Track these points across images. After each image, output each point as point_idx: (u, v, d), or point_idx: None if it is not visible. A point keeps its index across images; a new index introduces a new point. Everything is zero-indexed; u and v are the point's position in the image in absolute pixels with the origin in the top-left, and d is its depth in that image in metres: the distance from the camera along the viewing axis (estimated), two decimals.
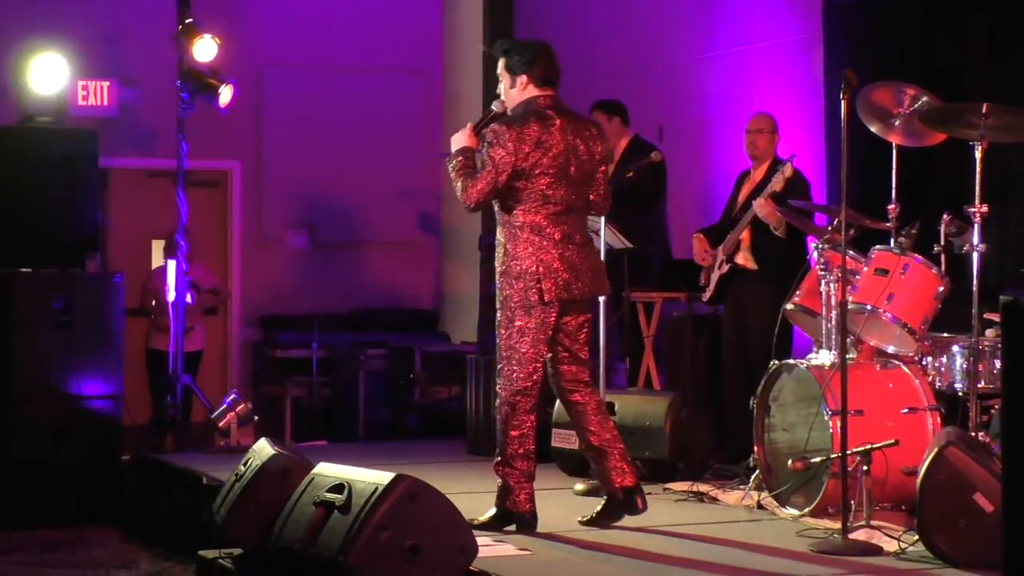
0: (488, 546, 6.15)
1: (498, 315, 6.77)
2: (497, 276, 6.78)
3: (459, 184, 6.68)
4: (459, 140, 6.78)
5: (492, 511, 6.78)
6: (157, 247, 12.76)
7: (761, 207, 8.37)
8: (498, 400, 6.78)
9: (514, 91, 6.78)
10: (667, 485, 7.94)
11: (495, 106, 6.83)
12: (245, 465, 6.42)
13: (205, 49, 10.16)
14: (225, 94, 10.24)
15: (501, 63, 6.81)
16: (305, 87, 13.61)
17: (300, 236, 13.86)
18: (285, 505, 5.90)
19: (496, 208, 6.79)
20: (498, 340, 6.76)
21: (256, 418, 10.12)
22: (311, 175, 13.58)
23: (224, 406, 9.83)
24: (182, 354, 10.34)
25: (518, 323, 6.67)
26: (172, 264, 10.68)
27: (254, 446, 6.57)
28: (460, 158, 6.70)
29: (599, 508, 6.86)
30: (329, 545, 5.47)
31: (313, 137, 13.58)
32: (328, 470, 5.87)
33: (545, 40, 7.06)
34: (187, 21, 10.14)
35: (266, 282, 13.64)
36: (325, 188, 13.63)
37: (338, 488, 5.61)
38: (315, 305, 13.28)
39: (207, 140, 11.69)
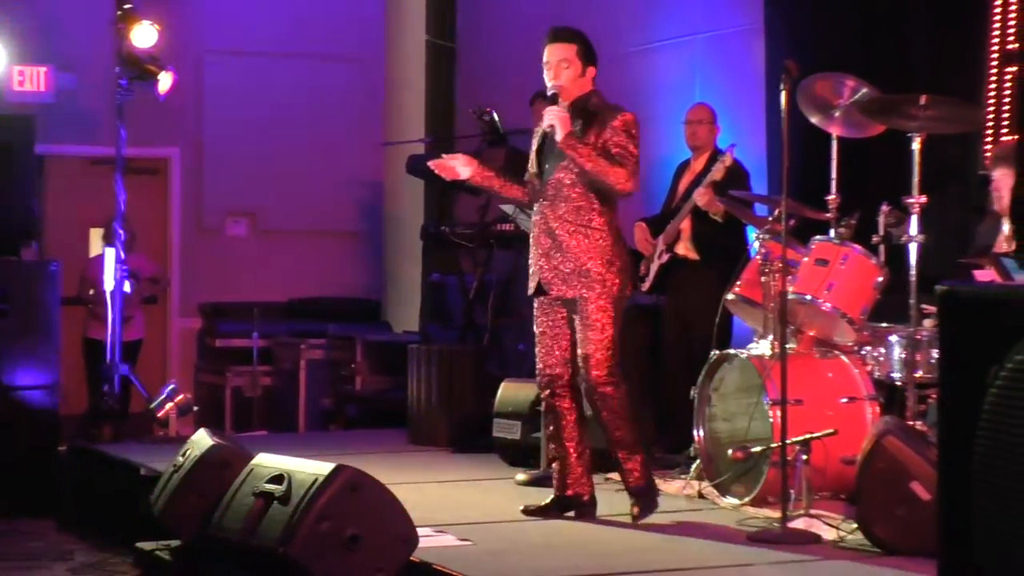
0: (429, 536, 6.14)
1: (590, 304, 6.58)
2: (587, 264, 6.59)
3: (609, 171, 6.51)
4: (565, 123, 6.58)
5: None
6: (95, 235, 12.68)
7: (701, 196, 8.41)
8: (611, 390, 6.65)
9: (583, 79, 6.72)
10: (608, 475, 7.95)
11: (553, 88, 6.72)
12: (184, 455, 6.41)
13: (144, 35, 10.08)
14: (164, 81, 10.18)
15: (572, 49, 6.69)
16: (246, 74, 13.56)
17: (240, 224, 13.81)
18: (224, 496, 5.87)
19: (589, 194, 6.62)
20: (593, 331, 6.59)
21: (195, 408, 10.09)
22: (252, 163, 13.55)
23: (163, 396, 9.79)
24: (120, 343, 10.27)
25: (612, 313, 6.59)
26: (110, 252, 10.59)
27: (193, 436, 6.57)
28: (581, 146, 6.56)
29: (547, 502, 6.88)
30: (269, 536, 5.45)
31: (254, 125, 13.54)
32: (268, 461, 5.85)
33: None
34: (126, 7, 10.06)
35: (206, 271, 13.59)
36: (266, 176, 13.59)
37: (278, 479, 5.60)
38: (256, 294, 13.23)
39: (146, 127, 11.64)
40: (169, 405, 9.71)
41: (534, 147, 6.83)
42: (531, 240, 6.80)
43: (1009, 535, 3.25)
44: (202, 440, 6.39)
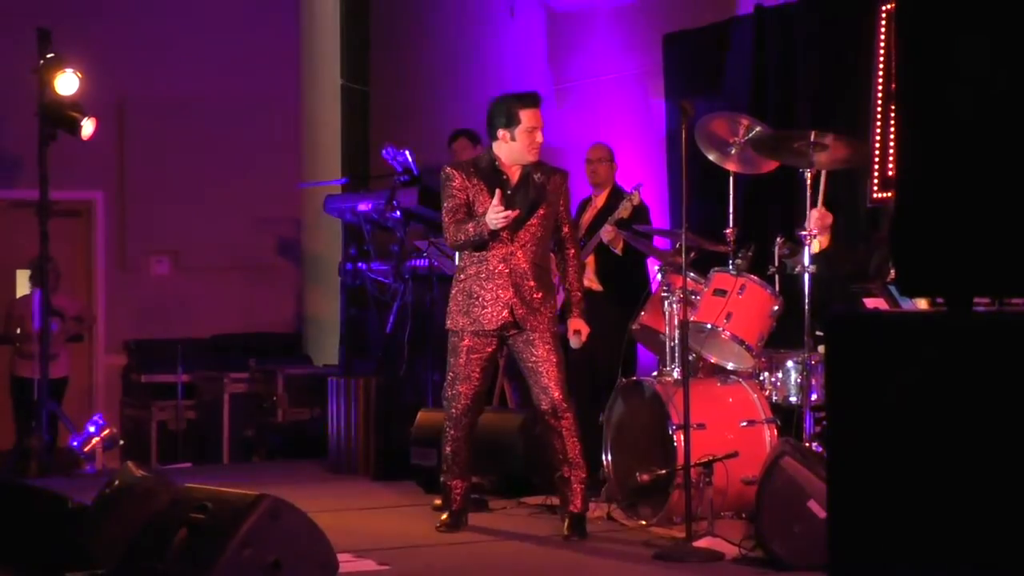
0: (350, 561, 6.30)
1: (548, 332, 7.14)
2: (548, 299, 7.20)
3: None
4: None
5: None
6: (21, 276, 12.71)
7: (607, 233, 8.63)
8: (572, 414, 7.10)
9: None
10: (522, 499, 8.15)
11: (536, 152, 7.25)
12: (110, 487, 6.45)
13: (67, 83, 10.14)
14: (87, 126, 10.24)
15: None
16: (166, 117, 13.51)
17: (163, 263, 13.84)
18: (149, 526, 5.94)
19: (547, 242, 7.26)
20: (555, 355, 7.12)
21: (121, 442, 10.13)
22: (173, 203, 13.52)
23: (89, 431, 9.82)
24: (47, 381, 10.32)
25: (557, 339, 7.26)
26: (37, 293, 10.65)
27: (119, 469, 6.63)
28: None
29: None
30: (194, 563, 5.53)
31: (175, 166, 13.50)
32: (192, 491, 5.94)
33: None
34: (48, 56, 10.11)
35: (130, 309, 13.60)
36: (187, 216, 13.56)
37: (201, 508, 5.67)
38: (179, 331, 13.29)
39: (70, 171, 11.65)
40: (95, 440, 9.74)
41: (500, 190, 7.06)
42: (489, 276, 7.11)
43: (897, 550, 3.37)
44: (128, 472, 6.44)
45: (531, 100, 7.18)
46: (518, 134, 7.09)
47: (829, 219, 7.37)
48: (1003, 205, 3.20)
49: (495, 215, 6.87)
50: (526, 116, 7.09)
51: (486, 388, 7.40)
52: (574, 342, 7.24)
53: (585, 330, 7.21)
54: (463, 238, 7.05)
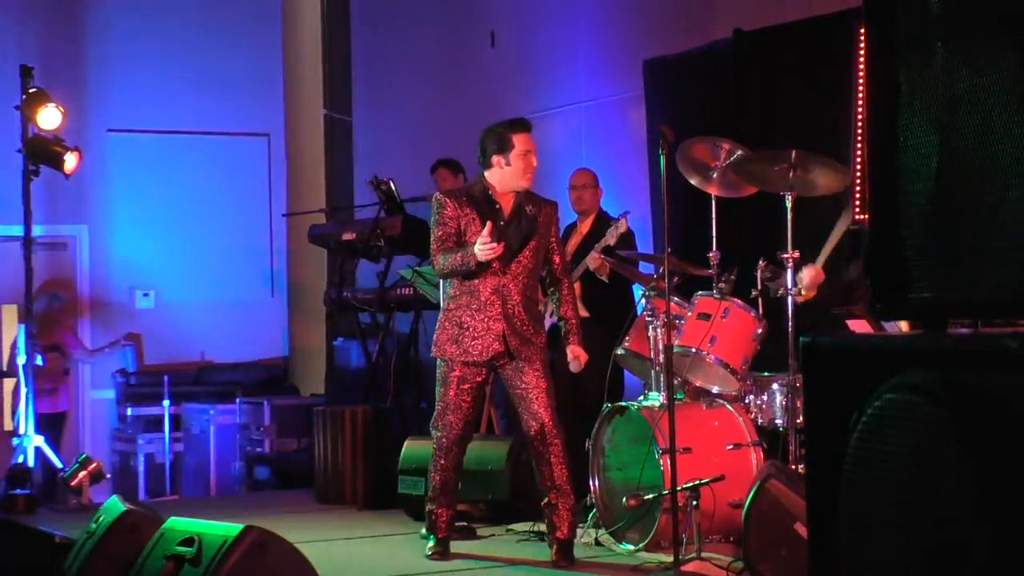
0: None
1: (538, 359, 7.23)
2: (538, 327, 7.29)
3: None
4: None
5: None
6: (8, 312, 12.70)
7: (595, 261, 8.63)
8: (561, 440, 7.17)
9: None
10: (510, 526, 8.16)
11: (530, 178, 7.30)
12: (96, 522, 6.46)
13: (50, 118, 10.13)
14: (70, 161, 10.22)
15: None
16: (151, 151, 13.56)
17: (148, 296, 13.84)
18: (136, 560, 5.92)
19: (537, 274, 7.36)
20: (545, 381, 7.20)
21: (108, 476, 10.10)
22: (159, 236, 13.55)
23: (75, 465, 9.82)
24: (36, 415, 10.29)
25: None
26: (21, 329, 10.64)
27: (105, 503, 6.61)
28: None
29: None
30: None
31: (159, 198, 13.57)
32: (178, 524, 5.91)
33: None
34: (31, 91, 10.13)
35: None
36: (173, 247, 13.60)
37: (188, 541, 5.66)
38: (166, 363, 13.30)
39: (54, 205, 11.67)
40: (82, 474, 9.73)
41: (491, 222, 7.06)
42: (481, 307, 7.14)
43: (873, 569, 3.35)
44: (114, 507, 6.43)
45: (522, 125, 7.24)
46: (512, 159, 7.13)
47: (821, 278, 7.41)
48: (975, 226, 3.22)
49: (483, 247, 6.89)
50: (519, 140, 7.14)
51: (476, 417, 7.43)
52: (573, 367, 7.29)
53: (584, 357, 7.27)
54: (450, 267, 7.08)
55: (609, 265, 8.50)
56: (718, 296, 7.53)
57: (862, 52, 8.04)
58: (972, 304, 3.28)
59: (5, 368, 11.61)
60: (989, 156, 3.18)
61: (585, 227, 9.13)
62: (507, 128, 7.20)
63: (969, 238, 3.24)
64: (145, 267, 13.69)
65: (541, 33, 11.40)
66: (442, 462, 7.29)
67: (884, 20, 3.53)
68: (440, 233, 7.15)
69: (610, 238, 8.57)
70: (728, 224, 7.87)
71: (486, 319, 7.11)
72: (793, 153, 7.09)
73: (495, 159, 7.17)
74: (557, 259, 7.31)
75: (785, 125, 8.87)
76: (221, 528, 5.69)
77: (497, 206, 7.17)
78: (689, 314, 7.54)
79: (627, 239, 8.73)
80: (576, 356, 7.25)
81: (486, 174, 7.22)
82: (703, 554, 6.71)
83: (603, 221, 8.93)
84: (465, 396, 7.19)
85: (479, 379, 7.22)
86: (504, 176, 7.16)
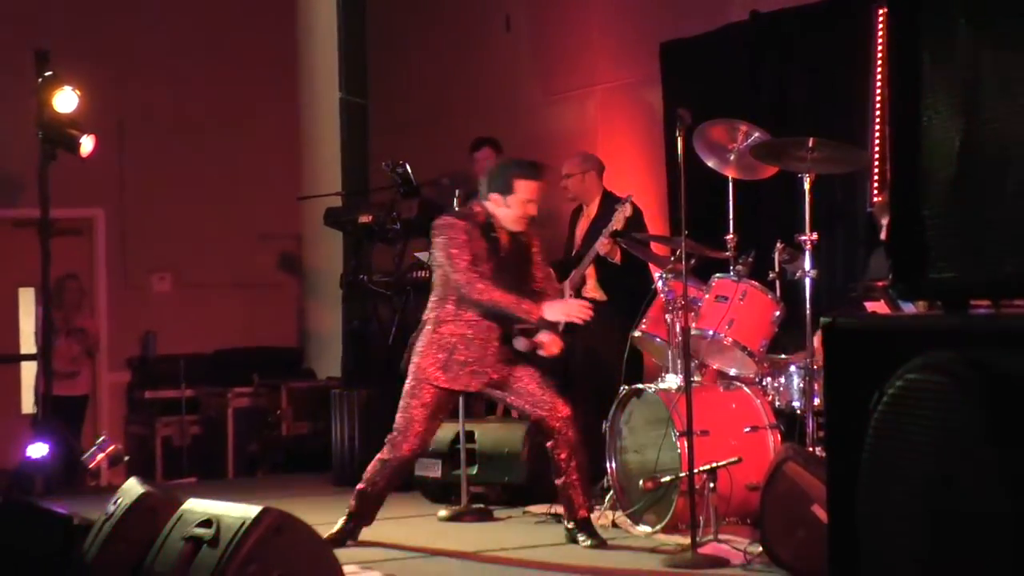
0: (355, 574, 6.35)
1: None
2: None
3: None
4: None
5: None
6: (24, 294, 12.74)
7: (604, 246, 8.57)
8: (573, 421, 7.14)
9: None
10: (527, 508, 8.17)
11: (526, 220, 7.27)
12: (115, 504, 6.48)
13: (66, 101, 10.14)
14: (86, 144, 10.21)
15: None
16: (166, 133, 13.59)
17: (165, 279, 13.87)
18: (154, 542, 5.93)
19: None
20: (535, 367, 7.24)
21: (126, 458, 10.13)
22: (174, 219, 13.58)
23: (94, 447, 9.84)
24: (51, 398, 10.32)
25: None
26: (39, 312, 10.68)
27: (123, 485, 6.62)
28: None
29: None
30: None
31: (175, 182, 13.59)
32: (196, 506, 5.90)
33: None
34: (47, 74, 10.13)
35: (133, 325, 13.64)
36: (188, 231, 13.64)
37: (206, 523, 5.65)
38: (182, 347, 13.31)
39: (71, 189, 11.67)
40: (100, 456, 9.75)
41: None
42: (476, 336, 7.12)
43: (893, 552, 3.35)
44: (132, 488, 6.44)
45: (532, 172, 7.15)
46: (511, 202, 7.08)
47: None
48: (997, 207, 3.22)
49: (581, 310, 7.08)
50: (522, 187, 7.07)
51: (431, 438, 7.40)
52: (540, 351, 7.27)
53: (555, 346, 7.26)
54: (504, 306, 6.99)
55: (619, 248, 8.47)
56: (736, 278, 7.51)
57: (883, 32, 8.06)
58: (994, 284, 3.27)
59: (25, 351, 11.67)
60: (1012, 137, 3.17)
61: (592, 210, 9.11)
62: (516, 171, 7.13)
63: (991, 218, 3.23)
64: (161, 250, 13.71)
65: (556, 16, 11.38)
66: (380, 484, 7.26)
67: (907, 0, 3.51)
68: (469, 256, 7.04)
69: (617, 223, 8.52)
70: (745, 206, 7.86)
71: (480, 347, 7.09)
72: (810, 140, 7.05)
73: (494, 196, 7.11)
74: (539, 274, 7.31)
75: (801, 107, 8.85)
76: (239, 510, 5.67)
77: (494, 234, 7.13)
78: (706, 296, 7.53)
79: (635, 220, 8.68)
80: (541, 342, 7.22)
81: (485, 204, 7.16)
82: (720, 536, 6.72)
83: (609, 202, 8.88)
84: (436, 421, 7.18)
85: (452, 404, 7.37)
86: (499, 214, 7.12)
